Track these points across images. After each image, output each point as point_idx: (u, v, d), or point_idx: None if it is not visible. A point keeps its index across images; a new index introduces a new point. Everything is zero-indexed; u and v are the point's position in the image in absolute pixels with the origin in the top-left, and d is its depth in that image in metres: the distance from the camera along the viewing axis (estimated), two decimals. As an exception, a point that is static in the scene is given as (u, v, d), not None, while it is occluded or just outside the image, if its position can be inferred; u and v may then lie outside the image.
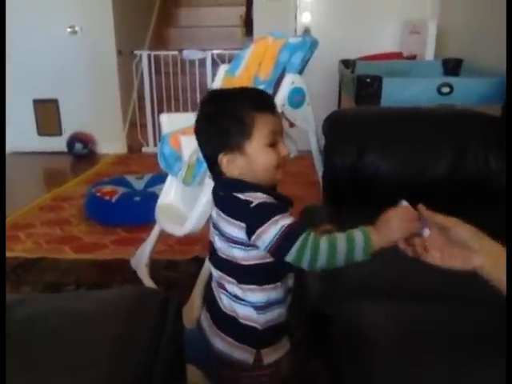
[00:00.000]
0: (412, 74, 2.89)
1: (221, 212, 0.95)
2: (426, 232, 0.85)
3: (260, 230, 0.88)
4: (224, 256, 0.97)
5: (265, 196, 0.91)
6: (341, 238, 0.87)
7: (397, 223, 0.85)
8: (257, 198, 0.90)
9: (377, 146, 1.61)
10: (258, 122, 0.91)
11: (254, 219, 0.90)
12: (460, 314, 0.96)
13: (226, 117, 0.93)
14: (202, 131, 0.97)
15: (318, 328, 1.14)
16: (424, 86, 2.41)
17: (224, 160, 0.94)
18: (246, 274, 0.95)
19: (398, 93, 2.33)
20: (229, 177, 0.95)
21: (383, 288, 1.03)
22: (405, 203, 0.90)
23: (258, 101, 0.94)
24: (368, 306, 1.03)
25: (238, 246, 0.94)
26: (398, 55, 3.46)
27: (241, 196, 0.91)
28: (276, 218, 0.88)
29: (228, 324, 0.99)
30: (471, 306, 0.97)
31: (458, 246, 0.80)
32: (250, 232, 0.90)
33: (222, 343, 1.00)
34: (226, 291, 0.98)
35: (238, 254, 0.95)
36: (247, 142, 0.91)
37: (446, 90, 2.36)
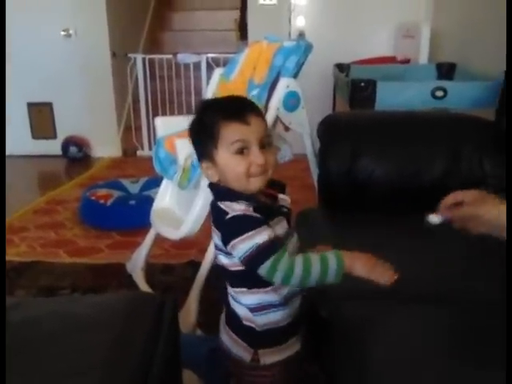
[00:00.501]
0: (406, 78, 2.91)
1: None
2: (433, 219, 0.99)
3: (233, 242, 0.91)
4: (216, 260, 1.01)
5: (243, 208, 0.91)
6: (315, 261, 0.90)
7: (364, 263, 0.91)
8: (234, 209, 0.92)
9: (371, 149, 1.62)
10: (222, 131, 0.92)
11: (227, 231, 0.93)
12: (459, 316, 0.96)
13: (200, 126, 0.97)
14: (190, 138, 1.01)
15: (316, 330, 1.14)
16: (418, 89, 2.43)
17: (203, 167, 0.98)
18: (235, 278, 0.99)
19: (392, 97, 2.35)
20: (215, 184, 0.98)
21: (381, 290, 1.03)
22: (432, 217, 1.00)
23: (225, 110, 0.94)
24: (366, 308, 1.03)
25: (221, 253, 0.98)
26: (391, 59, 3.49)
27: (221, 205, 0.94)
28: (249, 233, 0.89)
29: (233, 321, 1.02)
30: (470, 309, 0.98)
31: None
32: (224, 242, 0.94)
33: (227, 338, 1.03)
34: (229, 292, 1.02)
35: (224, 261, 0.98)
36: (215, 150, 0.93)
37: (440, 93, 2.38)
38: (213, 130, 0.92)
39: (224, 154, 0.93)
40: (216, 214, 0.96)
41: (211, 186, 0.99)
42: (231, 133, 0.92)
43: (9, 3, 3.85)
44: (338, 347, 1.06)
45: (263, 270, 0.90)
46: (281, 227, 0.97)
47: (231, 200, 0.93)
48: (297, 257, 0.91)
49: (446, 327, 0.94)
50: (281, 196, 1.02)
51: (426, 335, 0.92)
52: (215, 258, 1.01)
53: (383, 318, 0.99)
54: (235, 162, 0.92)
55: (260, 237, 0.89)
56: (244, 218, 0.91)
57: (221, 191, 0.96)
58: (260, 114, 0.96)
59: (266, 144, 0.94)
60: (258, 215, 0.92)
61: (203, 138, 0.95)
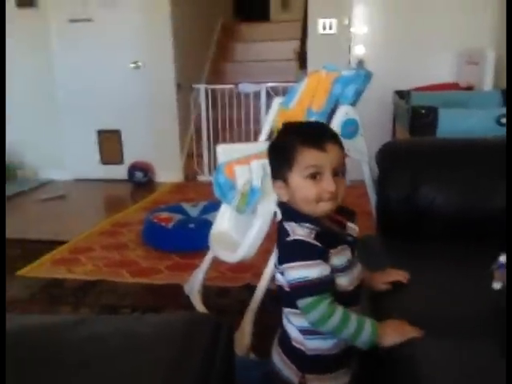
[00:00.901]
0: (469, 105, 2.83)
1: None
2: (496, 285, 1.06)
3: (286, 265, 0.94)
4: (275, 278, 1.04)
5: (305, 233, 0.93)
6: (353, 321, 0.93)
7: (394, 329, 0.96)
8: (296, 232, 0.94)
9: (432, 177, 1.58)
10: (298, 155, 0.95)
11: (283, 253, 0.97)
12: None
13: (278, 148, 1.02)
14: (268, 158, 1.05)
15: (369, 366, 1.11)
16: (482, 116, 2.36)
17: (275, 187, 1.01)
18: (287, 299, 1.00)
19: (454, 124, 2.29)
20: (284, 203, 1.01)
21: (442, 326, 1.00)
22: (502, 259, 1.04)
23: (304, 135, 0.97)
24: (423, 348, 0.99)
25: (278, 271, 1.00)
26: (454, 86, 3.41)
27: (285, 225, 0.97)
28: (302, 263, 0.92)
29: (285, 342, 1.04)
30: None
31: None
32: (279, 261, 0.97)
33: (278, 359, 1.05)
34: (283, 311, 1.04)
35: (280, 279, 1.00)
36: (289, 172, 0.97)
37: (505, 120, 2.30)
38: (290, 152, 0.96)
39: (297, 177, 0.96)
40: (279, 233, 0.99)
41: (280, 204, 1.02)
42: (307, 158, 0.95)
43: (81, 36, 4.17)
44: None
45: (303, 303, 0.93)
46: (344, 256, 0.98)
47: (296, 221, 0.96)
48: (338, 307, 0.93)
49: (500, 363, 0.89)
50: (349, 224, 1.03)
51: (482, 373, 0.88)
52: (273, 277, 1.04)
53: (439, 358, 0.95)
54: (307, 186, 0.95)
55: (312, 271, 0.91)
56: (303, 244, 0.93)
57: (288, 211, 0.99)
58: (338, 142, 0.98)
59: (339, 172, 0.96)
60: (317, 244, 0.93)
61: (280, 159, 0.99)
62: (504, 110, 2.37)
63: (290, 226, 0.96)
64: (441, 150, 1.69)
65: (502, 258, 1.05)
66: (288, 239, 0.94)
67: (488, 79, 3.10)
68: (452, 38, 3.69)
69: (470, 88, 3.27)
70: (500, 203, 1.50)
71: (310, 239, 0.93)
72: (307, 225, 0.95)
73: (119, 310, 2.09)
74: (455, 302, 1.11)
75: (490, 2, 3.56)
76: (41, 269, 2.56)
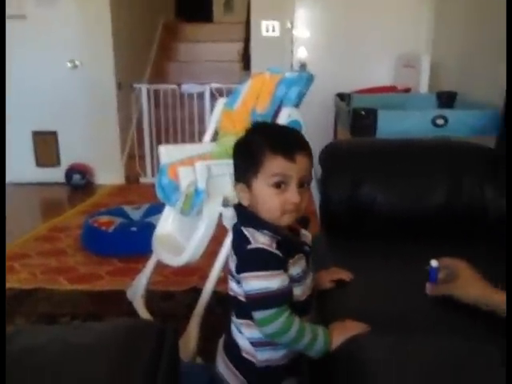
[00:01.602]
0: (407, 107, 2.95)
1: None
2: (428, 288, 1.09)
3: (246, 274, 0.90)
4: (229, 287, 0.99)
5: (266, 241, 0.90)
6: (308, 332, 0.91)
7: (337, 330, 0.96)
8: (257, 240, 0.90)
9: (373, 177, 1.62)
10: (266, 162, 0.91)
11: (244, 262, 0.92)
12: (465, 349, 0.94)
13: (245, 150, 0.96)
14: (233, 157, 1.00)
15: (316, 363, 1.12)
16: (419, 118, 2.46)
17: (237, 189, 0.97)
18: (242, 309, 0.96)
19: (393, 125, 2.37)
20: (243, 207, 0.97)
21: (384, 322, 1.02)
22: (434, 263, 1.07)
23: (274, 141, 0.92)
24: (369, 341, 1.00)
25: (233, 280, 0.96)
26: (392, 89, 3.54)
27: (245, 231, 0.93)
28: (265, 273, 0.88)
29: (232, 351, 1.00)
30: (475, 342, 0.96)
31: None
32: (237, 270, 0.93)
33: (224, 367, 1.01)
34: (232, 321, 1.00)
35: (234, 287, 0.96)
36: (254, 178, 0.92)
37: (440, 122, 2.41)
38: (257, 157, 0.91)
39: (262, 184, 0.92)
40: (238, 239, 0.94)
41: (238, 208, 0.98)
42: (274, 166, 0.90)
43: (15, 34, 3.97)
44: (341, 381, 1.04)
45: (260, 315, 0.89)
46: (299, 266, 0.96)
47: (256, 228, 0.92)
48: (295, 318, 0.91)
49: (452, 362, 0.92)
50: (303, 231, 1.01)
51: (426, 367, 0.90)
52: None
53: (389, 350, 0.96)
54: (270, 195, 0.91)
55: (273, 282, 0.88)
56: (265, 253, 0.89)
57: (247, 216, 0.95)
58: (308, 153, 0.94)
59: (305, 183, 0.93)
60: (279, 253, 0.90)
61: (246, 162, 0.94)
62: (439, 112, 2.48)
63: (250, 233, 0.91)
64: (381, 150, 1.73)
65: (434, 263, 1.08)
66: (250, 247, 0.90)
67: (424, 82, 3.24)
68: (390, 42, 3.84)
69: (407, 90, 3.41)
70: (437, 201, 1.56)
71: (272, 248, 0.90)
72: (267, 232, 0.91)
73: (57, 319, 1.99)
74: (395, 299, 1.13)
75: (426, 10, 3.73)
76: (-30, 278, 2.41)
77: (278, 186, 0.91)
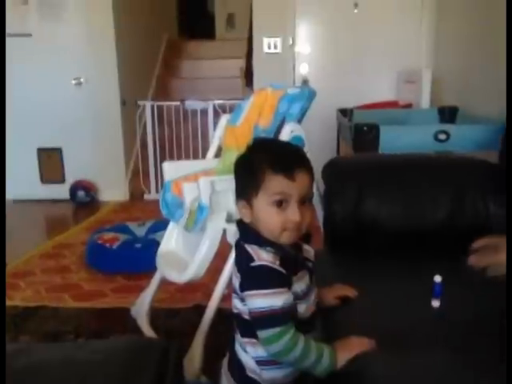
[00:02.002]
0: (409, 122, 2.96)
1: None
2: (435, 303, 1.11)
3: (250, 292, 0.89)
4: (233, 304, 0.98)
5: (270, 258, 0.90)
6: (313, 350, 0.90)
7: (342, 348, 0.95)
8: (260, 257, 0.90)
9: (376, 192, 1.63)
10: (266, 180, 0.90)
11: (248, 279, 0.91)
12: (473, 366, 0.93)
13: (246, 167, 0.95)
14: (234, 173, 0.99)
15: (322, 382, 1.11)
16: (421, 133, 2.47)
17: (239, 205, 0.96)
18: (247, 327, 0.95)
19: (395, 140, 2.38)
20: (245, 223, 0.96)
21: (390, 338, 1.01)
22: (438, 278, 1.10)
23: (274, 159, 0.92)
24: (375, 358, 1.00)
25: (237, 297, 0.95)
26: (394, 104, 3.56)
27: (248, 248, 0.92)
28: (269, 291, 0.87)
29: (237, 370, 0.99)
30: (484, 358, 0.95)
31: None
32: (241, 287, 0.92)
33: None
34: (236, 339, 0.99)
35: (238, 306, 0.96)
36: (254, 195, 0.92)
37: (442, 136, 2.41)
38: (257, 175, 0.91)
39: (262, 202, 0.91)
40: (241, 256, 0.94)
41: (240, 224, 0.97)
42: (274, 185, 0.90)
43: (20, 51, 4.03)
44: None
45: (265, 334, 0.88)
46: (303, 282, 0.95)
47: (259, 245, 0.91)
48: (300, 337, 0.89)
49: (456, 374, 0.91)
50: (305, 247, 1.01)
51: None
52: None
53: (388, 372, 0.96)
54: (271, 214, 0.90)
55: (278, 300, 0.87)
56: (269, 271, 0.89)
57: (250, 233, 0.94)
58: (309, 169, 0.94)
59: (306, 200, 0.93)
60: (283, 270, 0.89)
61: (246, 179, 0.94)
62: (441, 127, 2.49)
63: (253, 249, 0.91)
64: (383, 165, 1.74)
65: (438, 278, 1.11)
66: (253, 264, 0.89)
67: (425, 97, 3.26)
68: (391, 58, 3.87)
69: (408, 106, 3.43)
70: (440, 216, 1.56)
71: (276, 265, 0.89)
72: (270, 249, 0.91)
73: (62, 337, 1.99)
74: (400, 315, 1.12)
75: (427, 25, 3.77)
76: (-25, 296, 2.41)
77: (278, 204, 0.90)
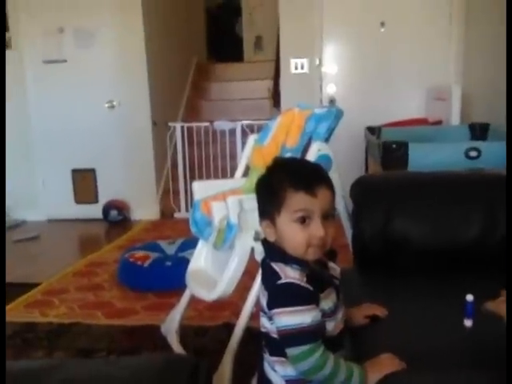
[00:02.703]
0: (438, 140, 2.92)
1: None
2: (467, 323, 1.10)
3: (277, 310, 0.89)
4: (261, 323, 0.98)
5: (297, 275, 0.90)
6: (343, 369, 0.90)
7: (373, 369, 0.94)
8: (287, 274, 0.90)
9: (405, 210, 1.61)
10: (288, 198, 0.91)
11: (275, 297, 0.91)
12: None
13: (267, 186, 0.97)
14: (256, 194, 1.00)
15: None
16: (451, 150, 2.43)
17: (263, 225, 0.97)
18: (275, 346, 0.95)
19: (424, 158, 2.35)
20: (271, 242, 0.97)
21: (421, 358, 0.99)
22: (470, 298, 1.09)
23: (294, 176, 0.93)
24: (406, 378, 0.98)
25: (265, 316, 0.96)
26: (423, 121, 3.52)
27: (274, 266, 0.93)
28: (297, 308, 0.87)
29: None
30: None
31: None
32: (268, 306, 0.92)
33: None
34: (265, 358, 0.99)
35: (266, 324, 0.96)
36: (277, 214, 0.93)
37: (473, 154, 2.37)
38: (278, 194, 0.92)
39: (285, 220, 0.92)
40: (267, 275, 0.94)
41: (265, 243, 0.98)
42: (296, 202, 0.90)
43: (56, 76, 4.19)
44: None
45: (294, 352, 0.88)
46: (330, 300, 0.95)
47: (285, 262, 0.92)
48: (330, 355, 0.89)
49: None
50: (331, 264, 1.01)
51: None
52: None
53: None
54: (295, 231, 0.91)
55: (306, 317, 0.87)
56: (295, 288, 0.89)
57: (275, 251, 0.95)
58: (329, 184, 0.94)
59: (329, 215, 0.93)
60: (310, 287, 0.89)
61: (268, 198, 0.95)
62: (472, 144, 2.45)
63: (279, 267, 0.91)
64: (413, 183, 1.73)
65: (469, 297, 1.09)
66: (280, 282, 0.90)
67: (455, 114, 3.21)
68: (420, 75, 3.85)
69: (438, 123, 3.39)
70: (472, 234, 1.54)
71: (303, 282, 0.89)
72: (297, 266, 0.91)
73: (94, 354, 2.02)
74: (431, 335, 1.11)
75: (455, 41, 3.74)
76: (13, 313, 2.47)
77: (301, 221, 0.91)
